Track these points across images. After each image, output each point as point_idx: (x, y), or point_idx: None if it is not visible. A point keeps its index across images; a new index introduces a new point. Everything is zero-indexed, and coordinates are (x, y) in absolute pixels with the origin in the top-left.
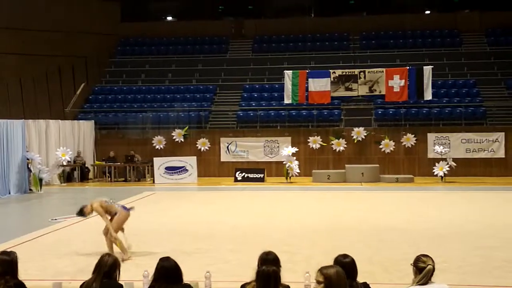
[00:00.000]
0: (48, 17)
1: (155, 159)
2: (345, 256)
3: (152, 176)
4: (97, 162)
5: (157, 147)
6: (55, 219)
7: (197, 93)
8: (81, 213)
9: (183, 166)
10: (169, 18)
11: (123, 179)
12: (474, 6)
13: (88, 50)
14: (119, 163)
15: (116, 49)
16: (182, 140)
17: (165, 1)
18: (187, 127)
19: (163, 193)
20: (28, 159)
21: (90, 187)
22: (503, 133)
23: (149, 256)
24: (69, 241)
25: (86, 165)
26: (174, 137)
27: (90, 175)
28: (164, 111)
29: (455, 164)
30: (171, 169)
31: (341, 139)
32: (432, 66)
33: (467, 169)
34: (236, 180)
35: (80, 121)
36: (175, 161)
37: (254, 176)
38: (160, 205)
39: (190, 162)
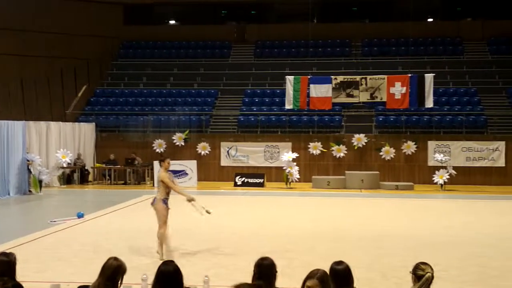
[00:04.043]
0: (51, 19)
1: (155, 162)
2: (339, 263)
3: (152, 179)
4: (97, 165)
5: (157, 150)
6: (54, 221)
7: (198, 97)
8: (161, 159)
9: (183, 170)
10: (172, 22)
11: (123, 182)
12: (477, 14)
13: (91, 52)
14: (119, 166)
15: (118, 52)
16: (183, 143)
17: (168, 5)
18: (187, 131)
19: None
20: (28, 160)
21: (89, 189)
22: (504, 142)
23: (148, 260)
24: (68, 243)
25: (86, 168)
26: (174, 141)
27: (90, 177)
28: (165, 115)
29: (455, 172)
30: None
31: (341, 145)
32: (434, 74)
33: (467, 177)
34: (235, 184)
35: (81, 123)
36: (175, 164)
37: (254, 181)
38: None
39: (190, 166)
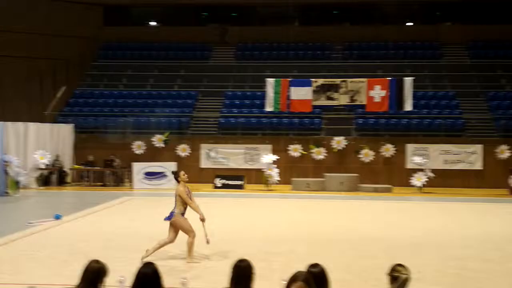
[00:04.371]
0: (30, 19)
1: (134, 164)
2: (315, 265)
3: (131, 181)
4: (75, 166)
5: (136, 152)
6: (31, 223)
7: (178, 98)
8: (176, 175)
9: (163, 172)
10: (152, 23)
11: (101, 183)
12: (456, 19)
13: (70, 53)
14: (97, 168)
15: (98, 53)
16: (163, 145)
17: (149, 6)
18: (167, 133)
19: (141, 198)
20: (5, 161)
21: (67, 191)
22: (481, 145)
23: (125, 261)
24: (44, 245)
25: (64, 169)
26: (154, 143)
27: (68, 179)
28: (145, 116)
29: (433, 175)
30: (150, 175)
31: (321, 147)
32: (413, 78)
33: (445, 180)
34: (215, 186)
35: (60, 124)
36: (154, 166)
37: (234, 183)
38: (138, 211)
39: (170, 167)
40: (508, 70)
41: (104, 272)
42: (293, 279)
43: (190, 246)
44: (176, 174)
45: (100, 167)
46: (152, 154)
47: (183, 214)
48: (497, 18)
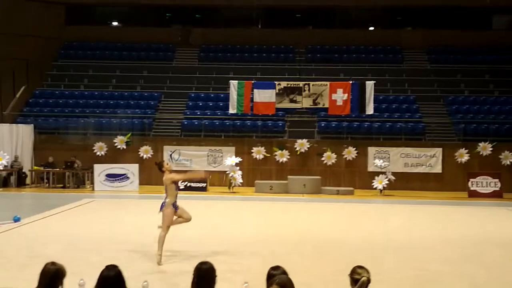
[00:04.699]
0: None
1: (95, 165)
2: (276, 268)
3: (92, 183)
4: (35, 167)
5: (98, 153)
6: None
7: (141, 100)
8: (160, 166)
9: (125, 174)
10: (115, 23)
11: (61, 185)
12: (417, 24)
13: (30, 52)
14: (58, 169)
15: (59, 53)
16: (125, 147)
17: (111, 6)
18: (129, 134)
19: (103, 200)
20: None
21: (27, 192)
22: (441, 149)
23: (85, 264)
24: (3, 247)
25: (23, 170)
26: (116, 144)
27: (28, 180)
28: (107, 117)
29: (394, 178)
30: (112, 177)
31: (284, 150)
32: (375, 81)
33: (405, 183)
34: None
35: (19, 124)
36: (116, 168)
37: (197, 185)
38: (99, 213)
39: (132, 169)
40: (467, 75)
41: (62, 274)
42: (271, 283)
43: (161, 240)
44: (160, 165)
45: (60, 168)
46: (114, 156)
47: (174, 204)
48: (456, 24)
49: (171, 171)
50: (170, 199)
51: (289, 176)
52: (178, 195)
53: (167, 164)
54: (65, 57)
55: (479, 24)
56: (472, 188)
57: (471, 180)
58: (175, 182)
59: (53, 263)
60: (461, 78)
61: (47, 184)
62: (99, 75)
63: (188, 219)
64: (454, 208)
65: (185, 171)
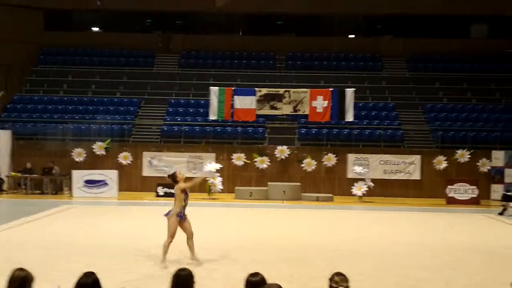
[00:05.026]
0: None
1: (74, 171)
2: (255, 274)
3: (70, 189)
4: (12, 174)
5: (76, 159)
6: None
7: (120, 105)
8: (173, 177)
9: (104, 180)
10: (95, 29)
11: (39, 191)
12: (397, 32)
13: (9, 58)
14: (36, 175)
15: (39, 58)
16: (104, 153)
17: (92, 11)
18: (109, 140)
19: (81, 207)
20: None
21: (4, 199)
22: (419, 156)
23: (63, 271)
24: None
25: (0, 176)
26: (95, 150)
27: (5, 186)
28: (86, 123)
29: (373, 185)
30: (90, 183)
31: (264, 157)
32: (354, 89)
33: (384, 189)
34: (157, 195)
35: None
36: (95, 174)
37: None
38: (77, 220)
39: (111, 175)
40: (446, 83)
41: (30, 280)
42: None
43: (164, 248)
44: (173, 176)
45: (38, 174)
46: (92, 162)
47: (180, 214)
48: (436, 33)
49: (184, 180)
50: (175, 208)
51: (269, 183)
52: (187, 205)
53: (180, 173)
54: (44, 63)
55: (458, 33)
56: (450, 195)
57: (449, 187)
58: (184, 190)
59: (21, 269)
60: (439, 86)
61: (25, 190)
62: (79, 81)
63: (188, 236)
64: (432, 215)
65: (190, 179)
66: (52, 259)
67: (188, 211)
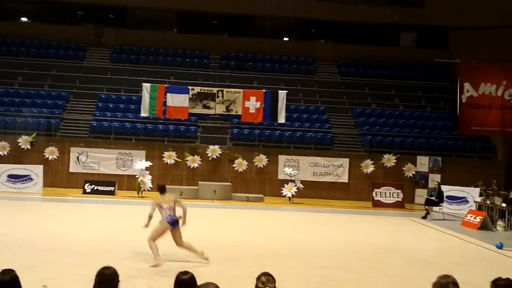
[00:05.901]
0: None
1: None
2: (185, 273)
3: None
4: None
5: (0, 153)
6: None
7: (48, 99)
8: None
9: (28, 175)
10: (23, 19)
11: None
12: (329, 37)
13: None
14: None
15: None
16: (29, 147)
17: (20, 1)
18: (35, 134)
19: (3, 202)
20: None
21: None
22: (348, 159)
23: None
24: None
25: None
26: (20, 144)
27: None
28: (11, 116)
29: (302, 186)
30: (14, 177)
31: (196, 155)
32: (287, 91)
33: (313, 191)
34: (84, 192)
35: None
36: (19, 169)
37: (105, 189)
38: None
39: (36, 171)
40: (375, 89)
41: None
42: None
43: (151, 247)
44: (163, 188)
45: None
46: (17, 156)
47: (169, 220)
48: (366, 39)
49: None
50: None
51: (199, 182)
52: (171, 215)
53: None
54: None
55: (387, 40)
56: (376, 198)
57: (375, 190)
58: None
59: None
60: (369, 92)
61: None
62: (4, 72)
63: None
64: (358, 217)
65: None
66: None
67: (116, 208)
